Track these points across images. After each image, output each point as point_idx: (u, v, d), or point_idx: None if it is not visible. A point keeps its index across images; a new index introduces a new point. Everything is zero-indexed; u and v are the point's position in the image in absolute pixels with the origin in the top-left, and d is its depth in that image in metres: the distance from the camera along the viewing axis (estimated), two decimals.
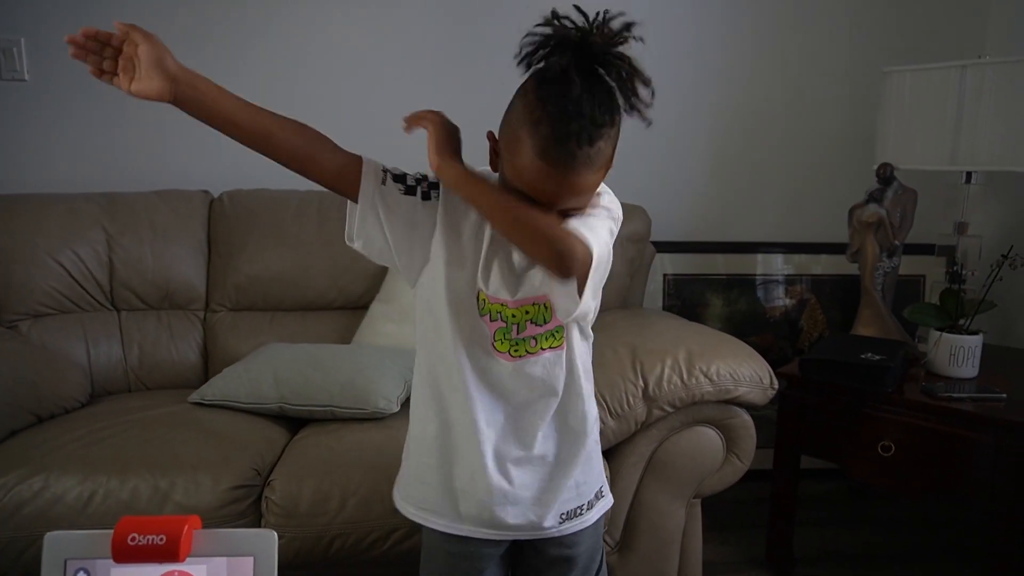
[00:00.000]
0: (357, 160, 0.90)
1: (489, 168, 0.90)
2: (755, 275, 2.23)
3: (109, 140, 2.04)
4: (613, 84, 0.79)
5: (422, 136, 0.89)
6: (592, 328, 0.98)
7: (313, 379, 1.56)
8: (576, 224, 0.82)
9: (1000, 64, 1.69)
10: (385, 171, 0.90)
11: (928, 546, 1.97)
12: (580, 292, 0.82)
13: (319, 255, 1.88)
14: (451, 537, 0.97)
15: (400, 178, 0.90)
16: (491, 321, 0.91)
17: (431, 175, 0.90)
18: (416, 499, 0.99)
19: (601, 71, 0.79)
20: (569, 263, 0.79)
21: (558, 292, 0.86)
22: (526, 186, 0.80)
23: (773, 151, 2.25)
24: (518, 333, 0.91)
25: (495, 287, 0.90)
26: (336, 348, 1.73)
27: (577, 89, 0.76)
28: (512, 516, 0.95)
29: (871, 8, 2.20)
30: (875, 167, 1.87)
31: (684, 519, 1.49)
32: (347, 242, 0.91)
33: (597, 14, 0.79)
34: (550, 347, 0.93)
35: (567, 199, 0.81)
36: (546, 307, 0.91)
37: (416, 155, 0.90)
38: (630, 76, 0.79)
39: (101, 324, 1.83)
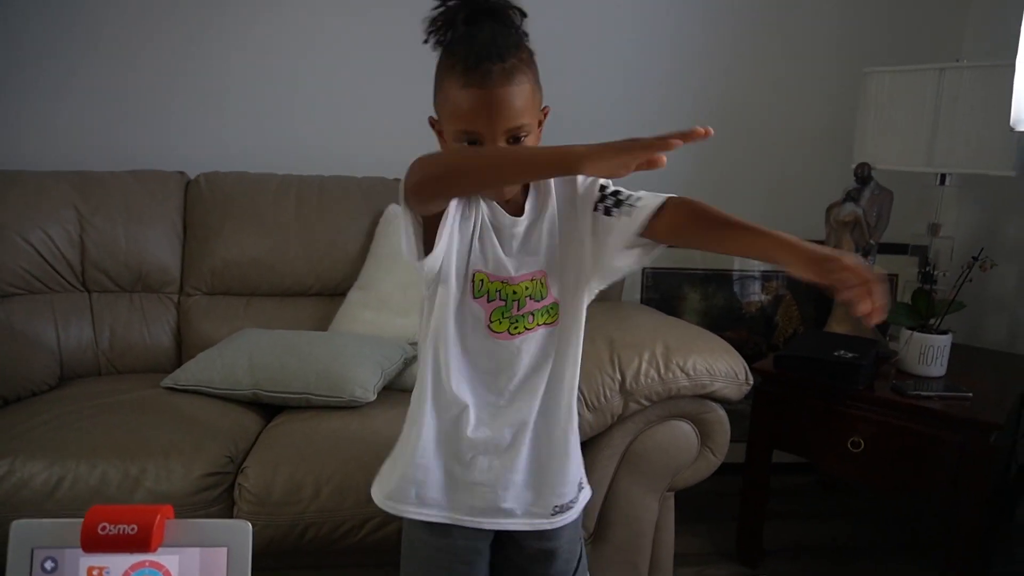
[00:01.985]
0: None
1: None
2: (732, 270, 2.25)
3: (83, 118, 1.99)
4: (514, 23, 0.87)
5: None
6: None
7: (289, 365, 1.55)
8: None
9: (976, 68, 1.71)
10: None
11: (895, 539, 2.01)
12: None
13: (297, 240, 1.86)
14: (436, 529, 0.96)
15: None
16: (488, 302, 0.92)
17: None
18: (400, 494, 0.97)
19: (502, 16, 0.87)
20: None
21: None
22: (463, 123, 0.84)
23: (753, 147, 2.26)
24: (518, 309, 0.92)
25: (494, 265, 0.91)
26: (312, 335, 1.72)
27: (476, 28, 0.84)
28: (507, 502, 0.96)
29: (854, 8, 2.21)
30: (853, 166, 1.89)
31: (657, 511, 1.51)
32: (417, 261, 0.87)
33: None
34: (545, 323, 0.94)
35: (502, 117, 0.83)
36: (542, 283, 0.93)
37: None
38: (519, 14, 0.87)
39: (72, 306, 1.79)
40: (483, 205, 0.90)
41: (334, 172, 1.98)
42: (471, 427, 0.93)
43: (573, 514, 1.01)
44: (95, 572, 0.61)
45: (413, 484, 0.95)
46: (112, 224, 1.80)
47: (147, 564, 0.62)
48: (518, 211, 0.92)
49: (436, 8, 0.86)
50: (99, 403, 1.49)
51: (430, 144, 0.91)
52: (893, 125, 1.84)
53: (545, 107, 0.92)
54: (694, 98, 2.21)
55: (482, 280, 0.91)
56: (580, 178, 0.92)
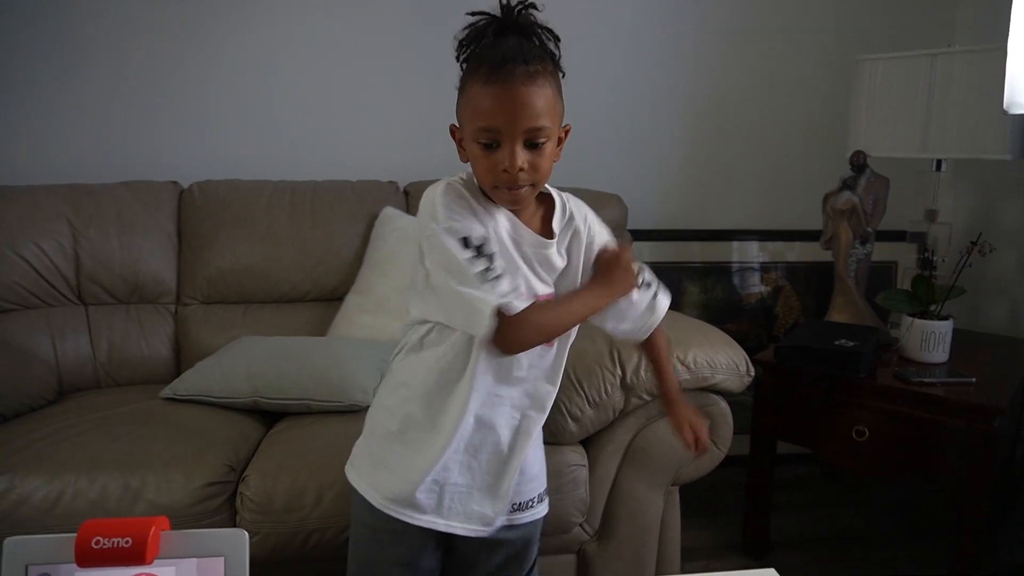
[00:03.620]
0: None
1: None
2: (731, 262, 2.24)
3: (73, 130, 1.99)
4: (542, 40, 0.89)
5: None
6: None
7: (288, 372, 1.54)
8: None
9: (969, 53, 1.70)
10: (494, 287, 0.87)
11: (901, 527, 2.00)
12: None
13: (292, 247, 1.85)
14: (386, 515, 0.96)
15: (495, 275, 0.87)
16: None
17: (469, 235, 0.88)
18: (378, 485, 0.98)
19: (530, 33, 0.89)
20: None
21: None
22: (484, 119, 0.85)
23: (748, 138, 2.26)
24: None
25: (526, 285, 0.93)
26: (311, 340, 1.71)
27: (503, 39, 0.86)
28: (478, 504, 0.97)
29: None
30: (848, 155, 1.88)
31: (662, 506, 1.50)
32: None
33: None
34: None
35: (521, 117, 0.84)
36: None
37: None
38: (544, 31, 0.89)
39: (68, 319, 1.78)
40: (507, 228, 0.91)
41: (327, 177, 1.97)
42: (449, 437, 0.94)
43: (536, 514, 1.04)
44: None
45: (427, 490, 0.95)
46: (106, 236, 1.80)
47: None
48: (543, 232, 0.94)
49: (466, 28, 0.88)
50: (98, 416, 1.48)
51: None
52: (887, 112, 1.84)
53: (567, 124, 0.92)
54: (688, 90, 2.20)
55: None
56: (606, 234, 1.01)
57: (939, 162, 1.86)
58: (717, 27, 2.18)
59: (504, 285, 0.86)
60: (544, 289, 0.95)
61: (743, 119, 2.24)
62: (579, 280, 0.98)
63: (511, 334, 0.85)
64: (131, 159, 2.00)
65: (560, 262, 0.96)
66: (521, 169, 0.85)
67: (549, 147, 0.88)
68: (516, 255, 0.92)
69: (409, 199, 1.94)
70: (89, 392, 1.73)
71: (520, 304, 0.85)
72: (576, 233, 0.97)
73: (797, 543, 1.91)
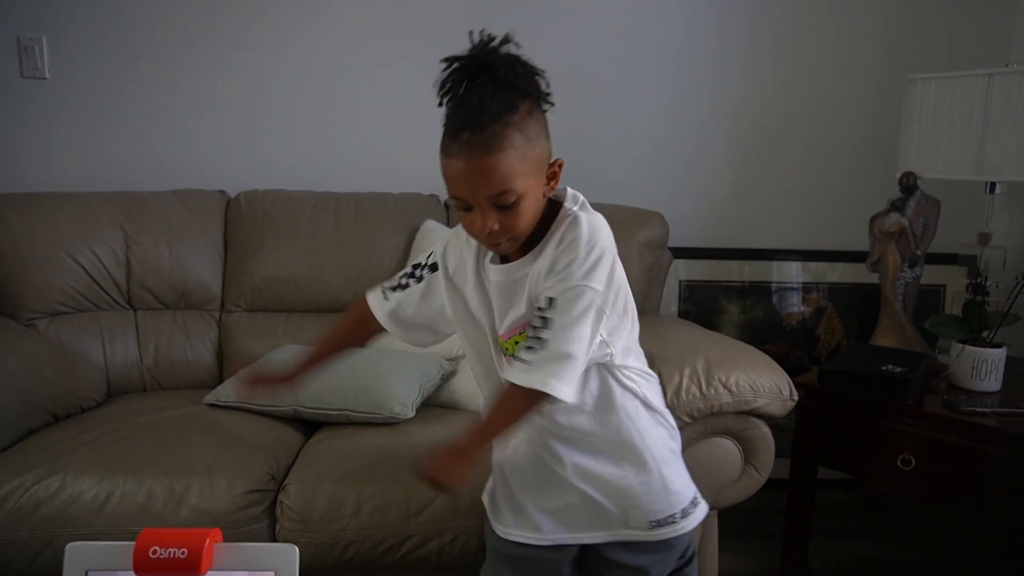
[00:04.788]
0: (371, 314, 1.10)
1: None
2: (771, 282, 2.20)
3: (127, 139, 2.05)
4: (510, 79, 0.86)
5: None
6: None
7: (328, 382, 1.55)
8: (530, 369, 0.87)
9: None
10: (388, 292, 1.08)
11: (944, 558, 1.94)
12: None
13: (334, 257, 1.88)
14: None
15: (400, 286, 1.07)
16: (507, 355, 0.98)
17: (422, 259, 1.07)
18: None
19: (498, 73, 0.86)
20: (543, 407, 0.90)
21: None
22: (450, 188, 0.88)
23: (793, 157, 2.22)
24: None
25: (507, 325, 0.96)
26: (352, 352, 1.72)
27: (468, 93, 0.86)
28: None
29: (896, 14, 2.16)
30: (898, 176, 1.84)
31: (701, 530, 1.48)
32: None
33: (480, 34, 0.86)
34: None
35: (481, 187, 0.85)
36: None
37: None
38: (520, 67, 0.87)
39: (118, 323, 1.83)
40: (480, 264, 0.97)
41: (371, 188, 2.00)
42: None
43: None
44: None
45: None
46: (156, 243, 1.85)
47: None
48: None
49: (444, 70, 0.87)
50: (144, 420, 1.52)
51: None
52: (939, 133, 1.79)
53: (556, 160, 0.92)
54: (734, 107, 2.18)
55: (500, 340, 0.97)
56: (565, 270, 0.88)
57: (992, 185, 1.81)
58: (766, 42, 2.16)
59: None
60: (504, 325, 0.95)
61: (789, 137, 2.21)
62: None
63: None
64: (181, 168, 2.06)
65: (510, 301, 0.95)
66: (491, 231, 0.87)
67: (524, 202, 0.87)
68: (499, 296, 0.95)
69: (450, 212, 1.96)
70: (135, 395, 1.77)
71: (369, 295, 1.08)
72: (538, 261, 0.91)
73: (837, 570, 1.87)
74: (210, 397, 1.61)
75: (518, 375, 0.87)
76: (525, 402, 0.89)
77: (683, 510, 1.03)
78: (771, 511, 1.87)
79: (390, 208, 1.94)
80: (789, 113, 2.20)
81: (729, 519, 1.60)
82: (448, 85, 0.87)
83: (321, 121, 2.09)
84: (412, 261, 1.06)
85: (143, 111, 2.04)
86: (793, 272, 2.21)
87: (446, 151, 0.86)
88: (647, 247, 1.87)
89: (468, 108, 0.84)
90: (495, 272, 0.95)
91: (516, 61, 0.86)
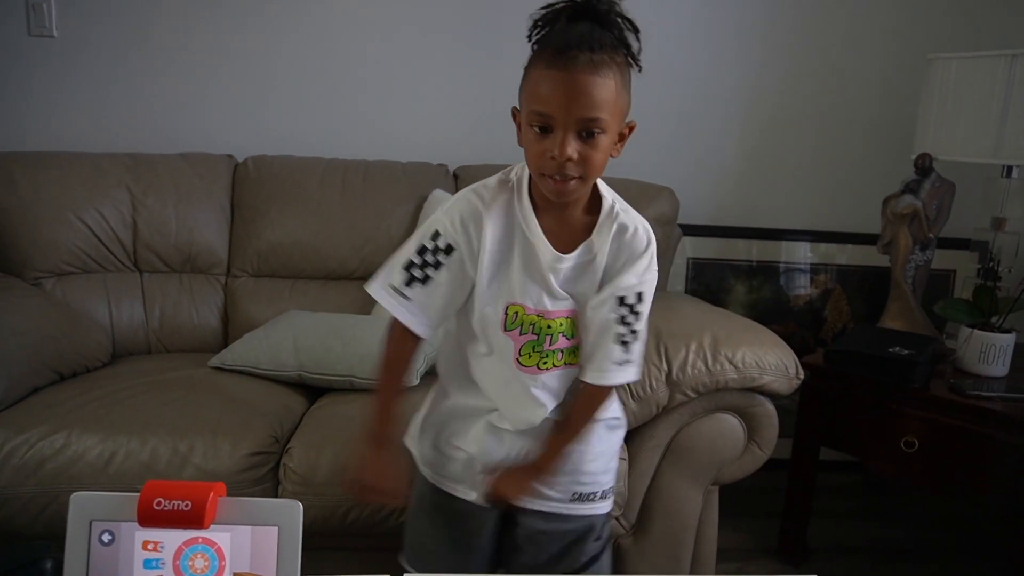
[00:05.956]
0: (410, 333, 1.02)
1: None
2: (779, 262, 2.19)
3: (135, 99, 2.03)
4: (617, 27, 0.86)
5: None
6: None
7: (333, 348, 1.56)
8: (630, 365, 0.93)
9: None
10: (401, 293, 0.97)
11: (943, 543, 1.95)
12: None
13: (342, 224, 1.87)
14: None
15: (416, 279, 0.95)
16: (520, 335, 0.94)
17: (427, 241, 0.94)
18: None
19: (605, 18, 0.85)
20: (608, 403, 0.99)
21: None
22: (539, 103, 0.83)
23: (807, 136, 2.19)
24: (550, 344, 0.94)
25: (535, 298, 0.93)
26: (356, 318, 1.72)
27: (576, 24, 0.84)
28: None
29: None
30: (913, 157, 1.82)
31: (701, 505, 1.48)
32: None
33: None
34: (567, 363, 0.97)
35: (576, 105, 0.82)
36: (574, 323, 0.95)
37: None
38: (624, 21, 0.86)
39: (124, 285, 1.83)
40: (526, 238, 0.92)
41: (379, 157, 1.98)
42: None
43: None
44: (150, 546, 0.62)
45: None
46: (163, 205, 1.84)
47: (200, 540, 0.62)
48: (566, 248, 0.92)
49: (543, 8, 0.86)
50: (149, 380, 1.52)
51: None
52: (958, 114, 1.76)
53: (631, 121, 0.90)
54: (749, 84, 2.15)
55: (516, 312, 0.93)
56: (644, 262, 0.93)
57: (1009, 169, 1.78)
58: (783, 18, 2.12)
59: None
60: (556, 306, 0.93)
61: (804, 115, 2.18)
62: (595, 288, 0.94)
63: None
64: (189, 131, 2.04)
65: (581, 281, 0.93)
66: (570, 159, 0.83)
67: (604, 140, 0.85)
68: (538, 272, 0.91)
69: (458, 182, 1.94)
70: (141, 357, 1.78)
71: (398, 313, 0.98)
72: (603, 247, 0.91)
73: (835, 551, 1.87)
74: (215, 360, 1.62)
75: (618, 374, 0.93)
76: (605, 397, 0.97)
77: (603, 492, 1.04)
78: (772, 490, 1.88)
79: (398, 177, 1.93)
80: (804, 91, 2.17)
81: (729, 496, 1.61)
82: (545, 21, 0.86)
83: (330, 88, 2.07)
84: (415, 242, 0.94)
85: (152, 72, 2.02)
86: (802, 253, 2.19)
87: (548, 63, 0.82)
88: (656, 222, 1.83)
89: (579, 34, 0.82)
90: (562, 259, 0.92)
91: (625, 18, 0.86)
